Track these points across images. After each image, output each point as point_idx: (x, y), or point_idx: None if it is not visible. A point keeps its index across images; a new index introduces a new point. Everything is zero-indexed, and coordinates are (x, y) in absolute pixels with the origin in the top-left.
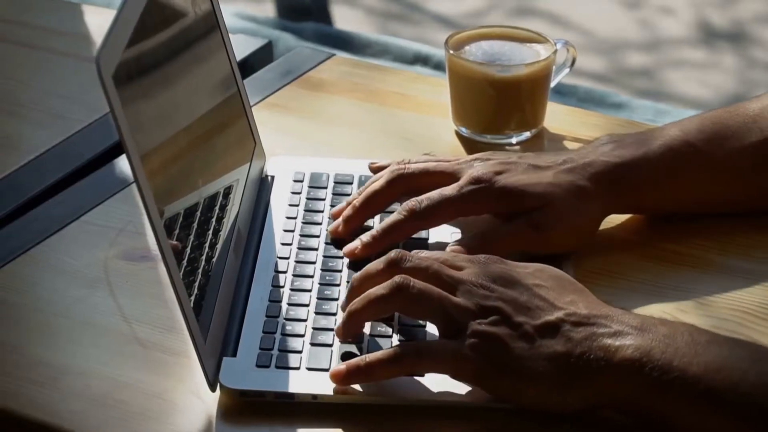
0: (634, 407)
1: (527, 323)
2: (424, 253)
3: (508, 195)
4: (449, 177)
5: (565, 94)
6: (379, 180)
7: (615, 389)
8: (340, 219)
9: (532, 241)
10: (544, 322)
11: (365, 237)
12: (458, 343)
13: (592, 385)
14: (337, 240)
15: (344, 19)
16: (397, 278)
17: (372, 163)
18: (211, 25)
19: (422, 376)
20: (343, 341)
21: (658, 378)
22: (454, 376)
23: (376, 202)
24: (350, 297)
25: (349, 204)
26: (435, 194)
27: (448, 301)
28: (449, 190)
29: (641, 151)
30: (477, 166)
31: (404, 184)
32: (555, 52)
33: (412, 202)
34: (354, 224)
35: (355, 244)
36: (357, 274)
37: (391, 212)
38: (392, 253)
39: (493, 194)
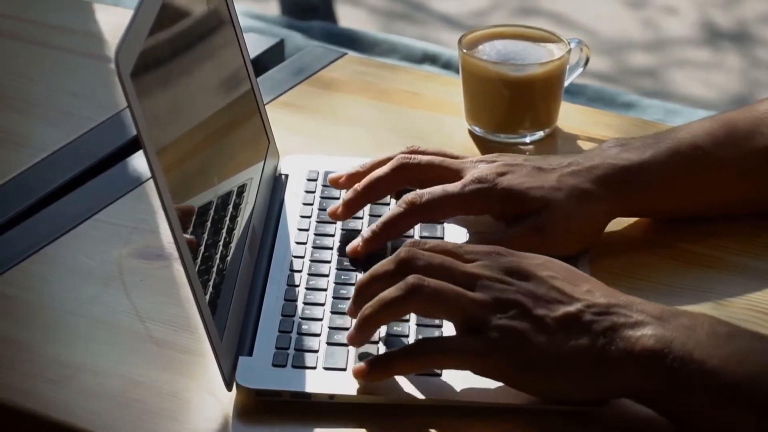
0: (654, 397)
1: (547, 316)
2: (432, 243)
3: (508, 196)
4: (453, 174)
5: (574, 93)
6: (384, 166)
7: (636, 379)
8: (340, 201)
9: (538, 244)
10: (564, 314)
11: (365, 233)
12: (479, 339)
13: (613, 376)
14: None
15: (348, 18)
16: (410, 278)
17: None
18: (226, 23)
19: (440, 372)
20: (358, 347)
21: (679, 369)
22: (476, 372)
23: (378, 189)
24: (357, 301)
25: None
26: (437, 189)
27: (465, 298)
28: (452, 186)
29: (648, 154)
30: (481, 167)
31: (408, 174)
32: (569, 51)
33: (412, 195)
34: (353, 207)
35: (357, 242)
36: (363, 276)
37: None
38: (402, 252)
39: (494, 195)
